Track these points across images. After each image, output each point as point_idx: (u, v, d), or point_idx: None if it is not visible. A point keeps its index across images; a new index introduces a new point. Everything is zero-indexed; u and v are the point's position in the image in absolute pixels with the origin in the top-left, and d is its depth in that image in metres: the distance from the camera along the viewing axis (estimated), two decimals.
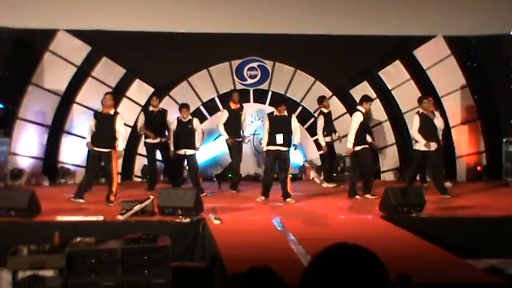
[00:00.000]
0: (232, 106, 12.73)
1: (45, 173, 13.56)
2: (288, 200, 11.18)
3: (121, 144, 10.82)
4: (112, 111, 10.90)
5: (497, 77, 14.26)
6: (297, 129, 11.40)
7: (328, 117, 13.33)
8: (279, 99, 11.97)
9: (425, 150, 11.42)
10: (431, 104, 11.77)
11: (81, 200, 10.69)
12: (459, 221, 9.85)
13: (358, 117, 11.49)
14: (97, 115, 10.92)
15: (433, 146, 11.39)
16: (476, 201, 11.06)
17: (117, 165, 11.06)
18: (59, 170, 13.59)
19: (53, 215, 9.81)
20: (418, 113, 11.71)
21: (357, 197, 11.52)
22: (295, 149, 11.58)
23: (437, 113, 11.86)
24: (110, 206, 10.47)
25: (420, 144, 11.46)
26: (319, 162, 14.44)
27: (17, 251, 7.56)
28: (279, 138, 11.17)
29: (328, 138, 13.25)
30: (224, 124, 12.57)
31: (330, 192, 12.48)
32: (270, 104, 14.05)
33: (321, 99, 13.49)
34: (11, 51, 13.57)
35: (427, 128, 11.43)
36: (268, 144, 11.31)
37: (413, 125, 11.66)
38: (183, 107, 12.05)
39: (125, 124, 13.75)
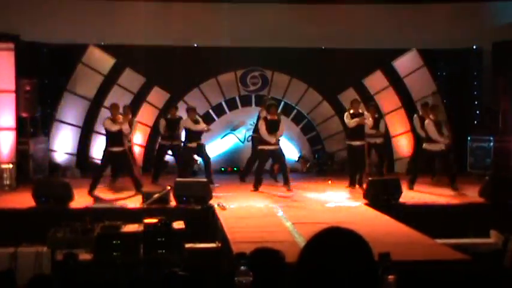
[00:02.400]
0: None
1: (77, 166, 13.56)
2: (288, 188, 11.17)
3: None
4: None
5: (462, 85, 14.23)
6: (283, 127, 11.31)
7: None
8: (269, 104, 11.82)
9: (434, 150, 11.23)
10: (439, 112, 11.63)
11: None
12: (430, 207, 9.85)
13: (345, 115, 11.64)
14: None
15: (441, 147, 11.24)
16: (444, 191, 11.04)
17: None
18: (89, 164, 13.58)
19: (84, 202, 9.82)
20: (430, 118, 11.42)
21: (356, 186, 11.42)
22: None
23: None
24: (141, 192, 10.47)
25: (428, 144, 11.23)
26: (311, 158, 14.41)
27: (55, 232, 7.58)
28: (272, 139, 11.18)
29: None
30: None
31: (321, 183, 12.44)
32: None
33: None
34: (49, 63, 13.55)
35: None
36: (262, 144, 11.29)
37: (428, 130, 11.32)
38: (190, 109, 12.07)
39: (145, 124, 13.85)
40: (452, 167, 11.48)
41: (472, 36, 13.87)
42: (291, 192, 11.07)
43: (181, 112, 12.64)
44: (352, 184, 11.52)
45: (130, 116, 11.94)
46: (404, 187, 10.21)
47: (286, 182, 11.19)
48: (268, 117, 11.35)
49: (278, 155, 11.25)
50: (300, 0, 14.22)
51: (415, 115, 12.69)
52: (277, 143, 11.21)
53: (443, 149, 11.24)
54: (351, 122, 11.46)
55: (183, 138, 12.11)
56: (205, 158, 12.04)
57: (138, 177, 10.96)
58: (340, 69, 14.08)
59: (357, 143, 11.55)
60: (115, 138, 10.80)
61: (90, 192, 10.51)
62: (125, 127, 10.95)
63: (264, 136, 11.22)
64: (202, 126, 11.96)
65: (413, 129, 13.17)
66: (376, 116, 12.59)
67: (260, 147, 11.36)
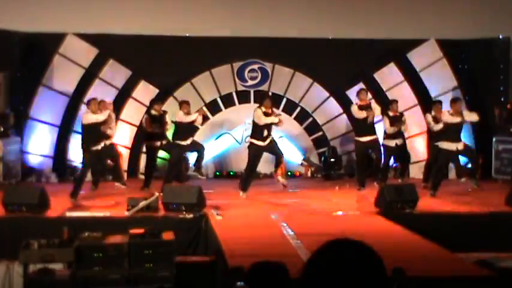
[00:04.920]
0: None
1: (54, 170, 13.56)
2: (282, 180, 11.57)
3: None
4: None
5: (487, 79, 14.24)
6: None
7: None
8: (263, 97, 11.94)
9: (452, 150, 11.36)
10: (459, 107, 11.72)
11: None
12: (450, 216, 9.86)
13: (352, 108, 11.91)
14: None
15: (460, 146, 11.33)
16: (466, 198, 11.06)
17: None
18: (67, 168, 13.58)
19: (62, 210, 9.82)
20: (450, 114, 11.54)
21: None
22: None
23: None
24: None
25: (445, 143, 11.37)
26: (317, 161, 14.43)
27: (27, 245, 7.57)
28: (265, 133, 11.22)
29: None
30: None
31: (327, 189, 12.46)
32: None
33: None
34: (22, 54, 13.56)
35: (451, 130, 11.31)
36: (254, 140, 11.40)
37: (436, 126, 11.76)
38: (184, 103, 12.14)
39: (130, 124, 13.85)
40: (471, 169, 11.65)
41: (498, 24, 13.88)
42: (285, 182, 11.42)
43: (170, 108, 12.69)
44: (362, 186, 11.84)
45: (113, 115, 11.95)
46: (421, 193, 10.22)
47: (283, 178, 11.41)
48: (263, 109, 11.39)
49: (273, 149, 11.38)
50: None
51: (427, 114, 12.59)
52: (270, 140, 11.32)
53: (460, 150, 11.39)
54: (358, 112, 11.65)
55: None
56: (200, 149, 12.14)
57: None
58: (349, 61, 14.10)
59: (367, 138, 11.67)
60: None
61: (72, 197, 10.54)
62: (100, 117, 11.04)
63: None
64: (194, 116, 12.02)
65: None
66: (398, 114, 12.58)
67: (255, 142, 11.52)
